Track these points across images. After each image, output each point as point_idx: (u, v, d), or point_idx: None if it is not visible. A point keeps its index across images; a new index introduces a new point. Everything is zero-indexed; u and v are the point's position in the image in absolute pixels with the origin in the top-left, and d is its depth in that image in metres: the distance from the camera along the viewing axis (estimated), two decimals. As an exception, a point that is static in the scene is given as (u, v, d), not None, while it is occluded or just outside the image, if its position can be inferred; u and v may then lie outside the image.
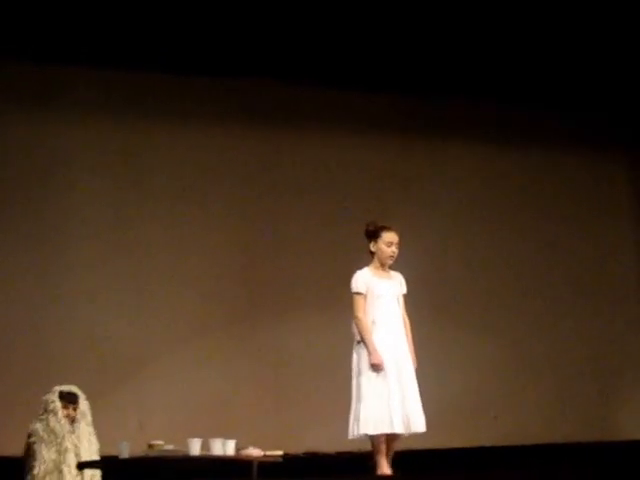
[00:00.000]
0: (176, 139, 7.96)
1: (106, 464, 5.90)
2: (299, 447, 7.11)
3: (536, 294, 8.70)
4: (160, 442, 5.71)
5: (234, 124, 8.11)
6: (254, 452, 5.64)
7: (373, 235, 5.69)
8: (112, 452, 5.85)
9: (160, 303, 7.67)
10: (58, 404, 5.90)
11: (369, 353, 5.43)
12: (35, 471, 5.74)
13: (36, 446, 5.80)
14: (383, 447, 5.42)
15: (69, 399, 5.95)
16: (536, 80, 8.46)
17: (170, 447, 5.68)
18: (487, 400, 8.19)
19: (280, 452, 5.82)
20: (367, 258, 5.57)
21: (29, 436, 5.86)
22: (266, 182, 8.17)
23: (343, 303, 7.85)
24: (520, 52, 8.10)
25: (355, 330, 5.56)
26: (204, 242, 7.88)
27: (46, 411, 5.90)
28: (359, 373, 5.49)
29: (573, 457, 7.89)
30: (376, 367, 5.40)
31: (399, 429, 5.37)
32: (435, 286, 8.23)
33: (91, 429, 6.03)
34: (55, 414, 5.87)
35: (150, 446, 5.69)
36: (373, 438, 5.42)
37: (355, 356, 5.54)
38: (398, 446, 5.49)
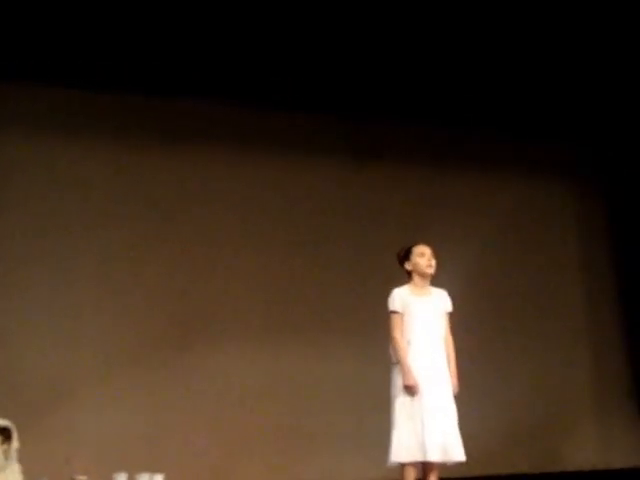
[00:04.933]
0: (120, 161, 7.76)
1: (26, 501, 5.66)
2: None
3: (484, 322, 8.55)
4: (84, 477, 5.52)
5: (183, 147, 7.94)
6: (184, 488, 5.47)
7: (405, 256, 5.48)
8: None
9: (89, 332, 7.40)
10: None
11: (403, 374, 5.17)
12: None
13: None
14: (412, 476, 5.13)
15: (6, 434, 5.71)
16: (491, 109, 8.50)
17: (95, 483, 5.49)
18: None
19: (211, 488, 5.66)
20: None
21: None
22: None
23: (276, 330, 7.87)
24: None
25: (392, 351, 5.30)
26: (137, 271, 7.66)
27: None
28: (395, 396, 5.23)
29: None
30: (410, 389, 5.15)
31: (433, 457, 5.08)
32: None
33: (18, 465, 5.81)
34: None
35: (73, 482, 5.48)
36: (404, 466, 5.13)
37: (392, 379, 5.28)
38: (441, 474, 5.19)
